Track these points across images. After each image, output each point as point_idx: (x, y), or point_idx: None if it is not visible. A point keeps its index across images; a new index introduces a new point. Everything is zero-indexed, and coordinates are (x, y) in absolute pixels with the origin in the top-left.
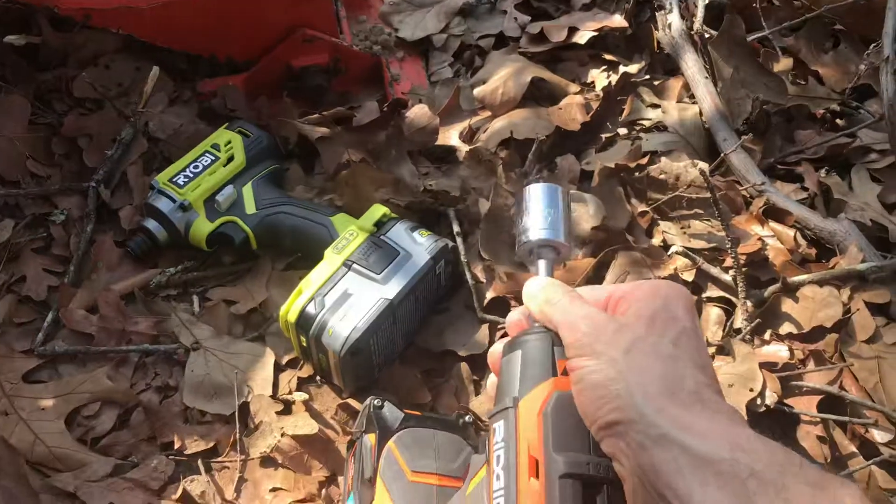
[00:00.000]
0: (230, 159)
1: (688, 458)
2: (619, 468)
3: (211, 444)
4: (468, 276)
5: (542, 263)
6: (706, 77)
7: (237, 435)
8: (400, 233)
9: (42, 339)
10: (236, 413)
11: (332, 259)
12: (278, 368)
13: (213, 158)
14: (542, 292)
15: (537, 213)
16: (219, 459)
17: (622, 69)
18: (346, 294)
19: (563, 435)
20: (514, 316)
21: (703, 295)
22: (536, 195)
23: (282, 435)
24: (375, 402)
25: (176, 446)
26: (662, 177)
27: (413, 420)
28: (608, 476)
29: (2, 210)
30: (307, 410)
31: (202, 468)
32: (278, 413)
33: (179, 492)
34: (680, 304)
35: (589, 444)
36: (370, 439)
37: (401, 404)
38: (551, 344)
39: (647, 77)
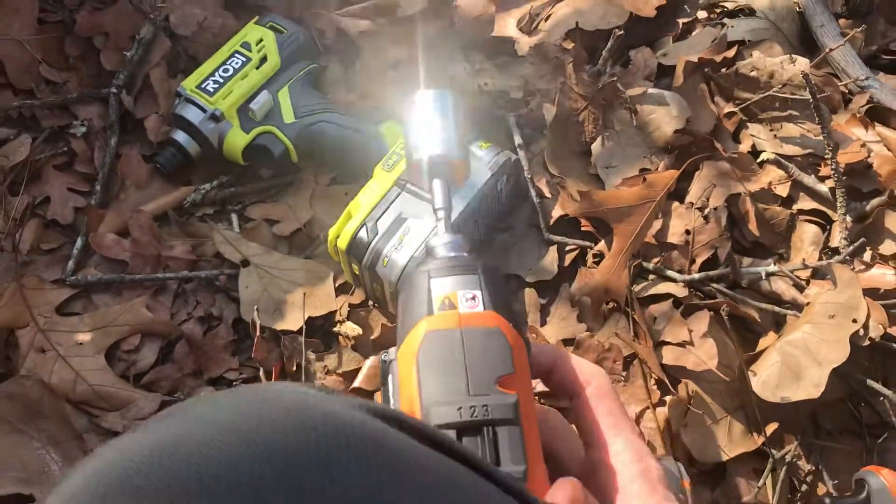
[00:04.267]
0: (263, 60)
1: None
2: None
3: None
4: (532, 192)
5: (437, 184)
6: None
7: (303, 358)
8: None
9: (73, 268)
10: (303, 330)
11: (382, 178)
12: None
13: (245, 60)
14: None
15: (426, 125)
16: None
17: None
18: (400, 218)
19: (436, 381)
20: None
21: (795, 207)
22: (423, 105)
23: (326, 373)
24: (384, 356)
25: (229, 379)
26: (754, 74)
27: None
28: (487, 417)
29: (16, 123)
30: (355, 349)
31: None
32: (319, 352)
33: None
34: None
35: (466, 383)
36: (377, 399)
37: None
38: (427, 277)
39: None
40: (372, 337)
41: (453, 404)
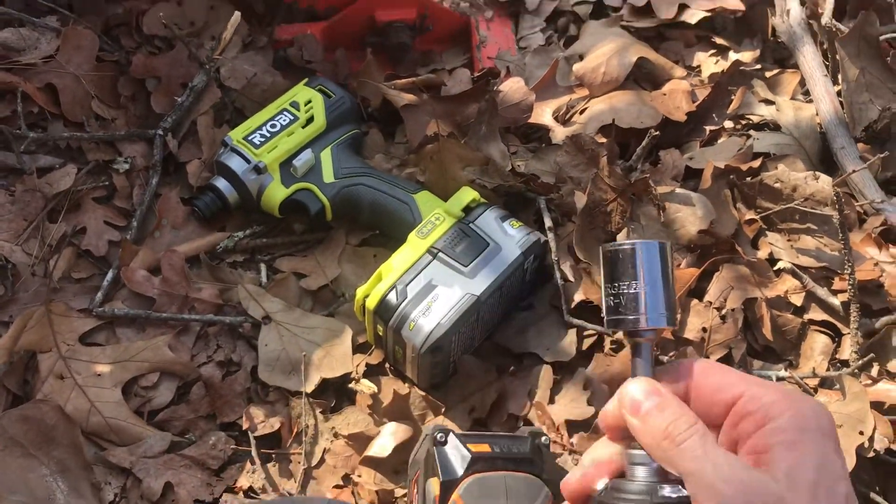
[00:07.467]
0: (310, 120)
1: None
2: None
3: (275, 428)
4: (557, 274)
5: (644, 349)
6: (825, 75)
7: (303, 423)
8: (489, 222)
9: (101, 299)
10: (305, 396)
11: (416, 244)
12: None
13: (292, 118)
14: (658, 420)
15: (652, 289)
16: (281, 451)
17: (733, 56)
18: (429, 285)
19: None
20: (611, 408)
21: (807, 317)
22: (649, 260)
23: (334, 436)
24: (438, 435)
25: (242, 426)
26: (777, 185)
27: (481, 462)
28: None
29: (63, 153)
30: (369, 410)
31: (258, 459)
32: (326, 413)
33: (240, 478)
34: (837, 452)
35: None
36: (433, 486)
37: (466, 410)
38: None
39: (759, 67)
40: (383, 405)
41: None
